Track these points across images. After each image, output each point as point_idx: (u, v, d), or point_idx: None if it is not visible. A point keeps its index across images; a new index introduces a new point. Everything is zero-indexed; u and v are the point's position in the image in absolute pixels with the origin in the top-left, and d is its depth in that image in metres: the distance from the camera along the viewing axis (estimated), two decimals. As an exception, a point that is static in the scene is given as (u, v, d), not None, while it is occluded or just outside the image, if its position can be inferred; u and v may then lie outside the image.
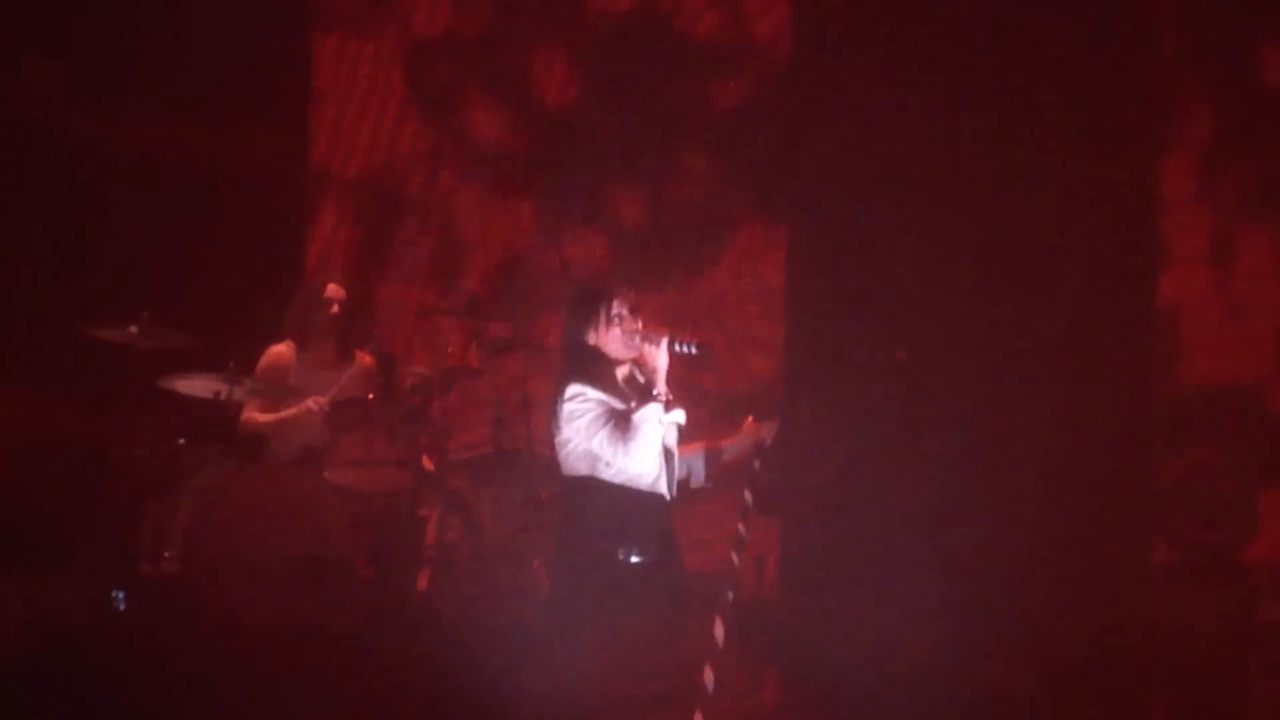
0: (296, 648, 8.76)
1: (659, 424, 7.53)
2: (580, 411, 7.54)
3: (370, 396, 9.65)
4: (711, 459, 7.81)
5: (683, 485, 7.75)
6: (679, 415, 7.64)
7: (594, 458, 7.56)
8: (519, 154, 11.17)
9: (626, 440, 7.51)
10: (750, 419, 7.92)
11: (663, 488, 7.59)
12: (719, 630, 7.61)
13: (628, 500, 7.58)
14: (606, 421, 7.52)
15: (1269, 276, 10.34)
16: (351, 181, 11.16)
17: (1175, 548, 10.12)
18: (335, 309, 9.75)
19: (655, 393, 7.58)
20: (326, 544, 9.10)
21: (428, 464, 9.69)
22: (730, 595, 7.66)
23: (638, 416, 7.52)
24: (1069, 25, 10.20)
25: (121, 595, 9.08)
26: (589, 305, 7.69)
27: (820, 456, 10.02)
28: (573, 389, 7.55)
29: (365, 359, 9.88)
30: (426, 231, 11.16)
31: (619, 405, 7.57)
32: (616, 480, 7.58)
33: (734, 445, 7.87)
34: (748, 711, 8.39)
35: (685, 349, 7.66)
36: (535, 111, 11.17)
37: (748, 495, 7.80)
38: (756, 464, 7.85)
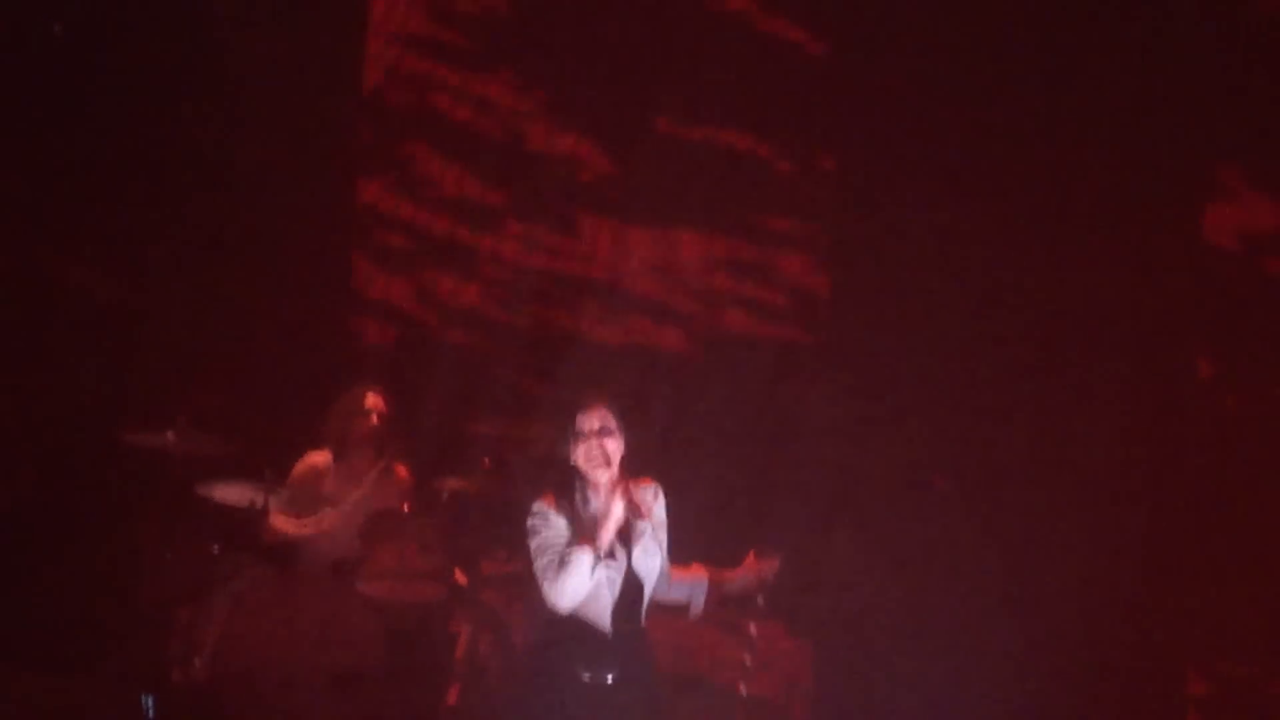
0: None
1: (588, 574, 7.27)
2: (531, 530, 7.34)
3: (405, 508, 9.62)
4: (713, 592, 7.65)
5: (681, 611, 7.57)
6: (619, 569, 7.37)
7: None
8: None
9: (558, 577, 7.25)
10: (752, 554, 7.78)
11: (605, 624, 7.37)
12: None
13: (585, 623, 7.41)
14: (549, 551, 7.30)
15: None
16: (392, 294, 11.16)
17: (1208, 679, 10.03)
18: (375, 419, 9.74)
19: (597, 543, 7.32)
20: (357, 656, 9.07)
21: (461, 578, 9.64)
22: None
23: (571, 556, 7.26)
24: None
25: (151, 701, 9.06)
26: (565, 416, 7.48)
27: (854, 582, 9.96)
28: (536, 505, 7.35)
29: (400, 470, 9.85)
30: (468, 343, 11.13)
31: (566, 534, 7.28)
32: None
33: (737, 582, 7.72)
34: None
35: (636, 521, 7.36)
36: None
37: (752, 629, 7.74)
38: (760, 600, 7.77)
